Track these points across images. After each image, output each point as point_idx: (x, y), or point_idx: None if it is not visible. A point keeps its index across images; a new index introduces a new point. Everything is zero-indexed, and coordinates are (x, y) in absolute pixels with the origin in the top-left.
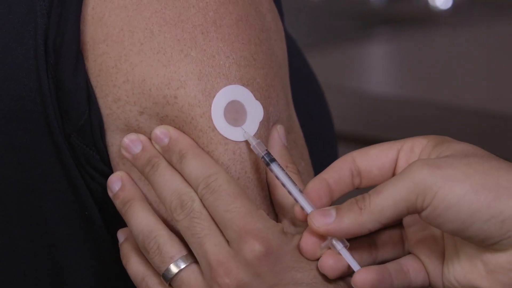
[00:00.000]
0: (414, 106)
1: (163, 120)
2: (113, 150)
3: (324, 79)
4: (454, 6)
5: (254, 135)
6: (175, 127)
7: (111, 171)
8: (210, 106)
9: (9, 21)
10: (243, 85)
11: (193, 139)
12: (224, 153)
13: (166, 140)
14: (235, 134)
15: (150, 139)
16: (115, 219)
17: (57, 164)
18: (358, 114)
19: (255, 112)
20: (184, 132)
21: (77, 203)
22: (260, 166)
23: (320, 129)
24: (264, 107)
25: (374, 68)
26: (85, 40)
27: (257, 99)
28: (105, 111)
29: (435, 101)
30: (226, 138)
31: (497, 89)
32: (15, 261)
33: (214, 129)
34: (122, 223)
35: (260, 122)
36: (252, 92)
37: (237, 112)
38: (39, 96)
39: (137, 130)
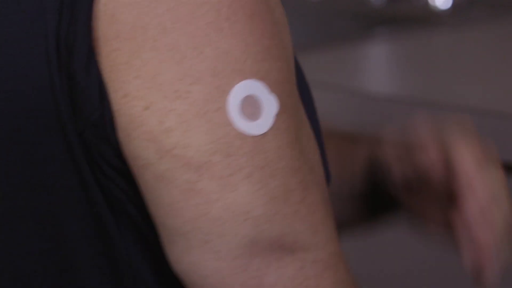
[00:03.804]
0: (414, 106)
1: (167, 115)
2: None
3: (324, 79)
4: (454, 6)
5: (271, 128)
6: (182, 120)
7: (125, 167)
8: (225, 102)
9: (21, 18)
10: (259, 79)
11: (206, 134)
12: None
13: None
14: (252, 128)
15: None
16: (125, 216)
17: (68, 160)
18: (358, 114)
19: (270, 105)
20: (193, 125)
21: (87, 200)
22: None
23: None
24: (280, 100)
25: (374, 68)
26: (97, 37)
27: (272, 92)
28: (114, 106)
29: (435, 101)
30: (243, 132)
31: (497, 89)
32: (24, 257)
33: (229, 123)
34: (132, 221)
35: (276, 115)
36: (268, 86)
37: (253, 107)
38: (51, 94)
39: (135, 129)
